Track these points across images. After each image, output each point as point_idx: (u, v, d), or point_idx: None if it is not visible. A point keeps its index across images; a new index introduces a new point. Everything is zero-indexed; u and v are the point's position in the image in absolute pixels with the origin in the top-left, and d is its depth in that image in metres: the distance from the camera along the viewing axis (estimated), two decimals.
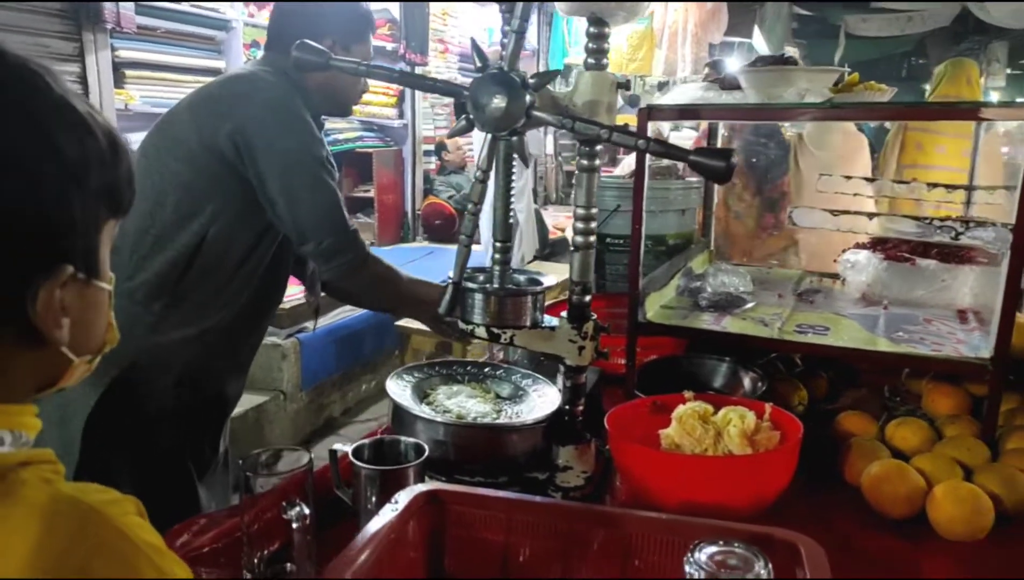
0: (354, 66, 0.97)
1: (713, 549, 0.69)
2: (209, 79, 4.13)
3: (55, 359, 0.55)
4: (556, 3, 0.99)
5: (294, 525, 0.79)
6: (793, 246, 3.48)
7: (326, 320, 3.23)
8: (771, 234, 3.42)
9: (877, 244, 1.58)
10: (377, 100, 5.10)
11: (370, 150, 5.04)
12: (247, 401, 2.85)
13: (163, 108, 3.60)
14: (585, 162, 1.01)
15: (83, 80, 2.94)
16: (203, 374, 1.36)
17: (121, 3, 2.92)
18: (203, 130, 1.31)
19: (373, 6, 5.56)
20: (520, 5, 0.89)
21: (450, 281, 0.99)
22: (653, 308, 1.41)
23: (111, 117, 3.06)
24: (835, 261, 1.67)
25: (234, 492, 1.69)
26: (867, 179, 1.63)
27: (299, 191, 1.32)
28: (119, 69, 3.31)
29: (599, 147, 1.01)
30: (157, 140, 1.39)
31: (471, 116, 0.92)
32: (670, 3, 5.65)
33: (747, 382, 1.36)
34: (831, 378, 1.50)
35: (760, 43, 7.78)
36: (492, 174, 1.12)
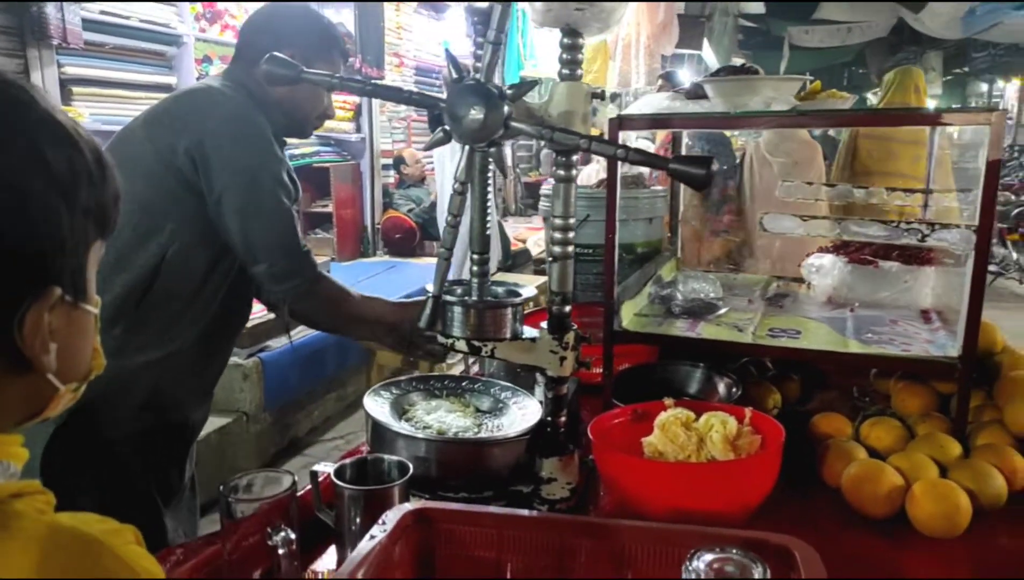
0: (326, 78, 0.96)
1: (710, 556, 0.69)
2: (160, 95, 4.03)
3: (41, 387, 0.52)
4: (530, 14, 0.99)
5: (280, 551, 0.76)
6: (744, 248, 3.56)
7: (286, 338, 3.17)
8: (719, 237, 3.50)
9: (840, 248, 1.62)
10: (336, 114, 5.04)
11: (327, 165, 4.99)
12: (209, 423, 2.75)
13: (114, 125, 3.52)
14: (562, 173, 1.01)
15: None
16: (167, 399, 1.31)
17: (67, 18, 2.84)
18: (159, 146, 1.27)
19: (327, 16, 5.47)
20: (496, 16, 0.89)
21: (430, 295, 0.98)
22: (627, 316, 1.41)
23: None
24: (799, 265, 1.71)
25: (202, 517, 1.64)
26: (829, 184, 1.66)
27: (253, 211, 1.29)
28: (66, 86, 3.21)
29: (575, 157, 1.01)
30: (111, 159, 1.34)
31: (447, 128, 0.91)
32: (624, 17, 5.73)
33: (722, 387, 1.37)
34: (803, 381, 1.52)
35: (709, 55, 7.96)
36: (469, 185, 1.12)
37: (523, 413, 1.17)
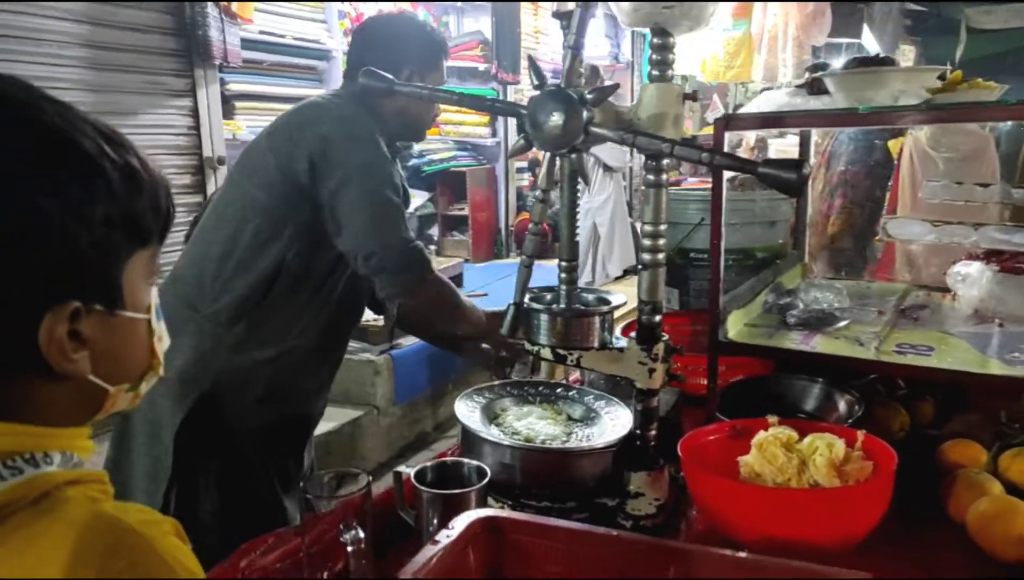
0: (418, 90, 0.98)
1: None
2: None
3: (90, 389, 0.56)
4: (618, 16, 0.96)
5: (349, 548, 0.79)
6: (905, 259, 3.25)
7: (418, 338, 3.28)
8: (874, 245, 3.22)
9: (991, 255, 1.45)
10: (470, 120, 5.18)
11: (464, 169, 5.13)
12: (342, 415, 2.94)
13: None
14: (652, 177, 0.97)
15: (195, 113, 3.14)
16: (283, 393, 1.40)
17: (228, 40, 3.11)
18: (279, 156, 1.36)
19: (467, 27, 5.65)
20: (576, 21, 0.87)
21: (512, 302, 0.97)
22: (736, 326, 1.34)
23: (220, 147, 3.25)
24: (945, 274, 1.54)
25: None
26: (982, 185, 1.49)
27: (366, 205, 1.35)
28: (228, 101, 3.51)
29: (665, 161, 0.97)
30: (239, 168, 1.46)
31: (528, 135, 0.90)
32: (769, 7, 5.45)
33: (842, 406, 1.27)
34: (939, 402, 1.37)
35: (871, 43, 7.39)
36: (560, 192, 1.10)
37: (615, 424, 1.14)
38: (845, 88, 1.17)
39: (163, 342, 0.64)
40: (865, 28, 6.94)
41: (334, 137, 1.35)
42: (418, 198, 5.12)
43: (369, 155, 1.37)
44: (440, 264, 4.11)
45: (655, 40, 0.95)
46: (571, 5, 0.91)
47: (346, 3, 4.43)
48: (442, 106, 5.39)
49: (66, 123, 0.54)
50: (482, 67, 5.18)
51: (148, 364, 0.62)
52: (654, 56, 0.96)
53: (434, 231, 5.35)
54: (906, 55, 9.60)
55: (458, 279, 4.16)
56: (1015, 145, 3.79)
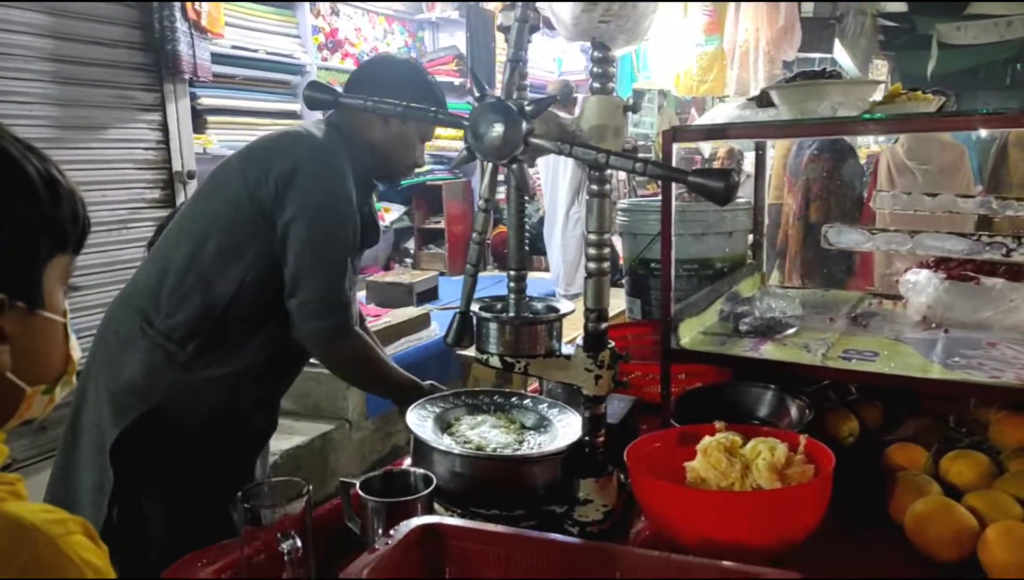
0: (360, 101, 0.99)
1: None
2: (286, 121, 4.32)
3: (7, 388, 0.58)
4: (560, 30, 0.98)
5: (287, 557, 0.79)
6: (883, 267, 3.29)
7: (391, 350, 3.28)
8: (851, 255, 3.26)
9: (940, 263, 1.48)
10: (446, 133, 5.20)
11: (440, 182, 5.14)
12: (312, 429, 2.92)
13: None
14: (595, 187, 0.99)
15: (164, 127, 3.13)
16: (228, 414, 1.39)
17: (198, 55, 3.11)
18: (248, 177, 1.36)
19: (442, 42, 5.64)
20: (514, 34, 0.89)
21: (457, 311, 0.98)
22: (690, 334, 1.36)
23: (189, 161, 3.24)
24: (897, 281, 1.58)
25: None
26: (930, 194, 1.52)
27: (311, 245, 1.35)
28: (200, 115, 3.50)
29: (608, 172, 0.99)
30: (207, 185, 1.46)
31: (470, 145, 0.91)
32: (740, 22, 5.54)
33: (794, 411, 1.29)
34: (892, 407, 1.40)
35: (843, 58, 7.52)
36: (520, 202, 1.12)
37: (567, 431, 1.15)
38: (788, 100, 1.19)
39: (76, 351, 0.65)
40: (837, 43, 7.06)
41: (302, 167, 1.36)
42: (394, 211, 5.13)
43: (331, 194, 1.37)
44: (416, 277, 4.11)
45: (595, 54, 0.97)
46: (512, 20, 0.92)
47: (320, 19, 4.45)
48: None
49: None
50: (457, 81, 5.21)
51: (64, 368, 0.63)
52: (595, 69, 0.98)
53: (410, 244, 5.34)
54: (879, 69, 9.79)
55: (434, 292, 4.16)
56: (984, 157, 3.88)
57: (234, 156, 1.47)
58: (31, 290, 0.59)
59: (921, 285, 1.43)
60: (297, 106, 4.31)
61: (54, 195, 0.60)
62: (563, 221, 4.62)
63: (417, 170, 5.60)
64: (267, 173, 1.36)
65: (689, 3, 5.53)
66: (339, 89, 1.17)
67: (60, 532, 0.51)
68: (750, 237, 1.79)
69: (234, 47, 3.69)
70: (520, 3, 0.89)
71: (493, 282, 4.96)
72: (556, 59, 6.31)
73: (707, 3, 5.57)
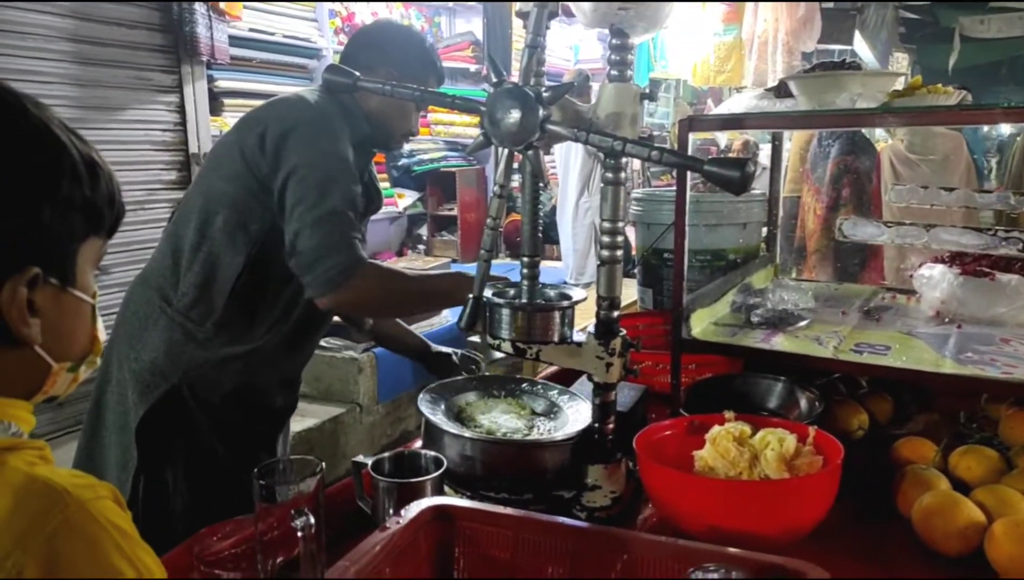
0: (379, 86, 1.00)
1: (710, 576, 0.66)
2: None
3: (35, 363, 0.60)
4: (579, 17, 0.98)
5: (300, 534, 0.80)
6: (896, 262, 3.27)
7: None
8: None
9: (955, 258, 1.47)
10: (461, 120, 5.20)
11: (454, 169, 5.15)
12: (324, 412, 2.94)
13: None
14: (609, 175, 0.99)
15: (181, 109, 3.15)
16: (252, 389, 1.41)
17: (216, 37, 3.12)
18: (244, 148, 1.35)
19: (459, 27, 5.62)
20: (532, 20, 0.89)
21: (471, 296, 0.99)
22: (702, 324, 1.36)
23: (206, 143, 3.26)
24: (911, 276, 1.57)
25: None
26: (947, 189, 1.51)
27: (304, 196, 1.29)
28: (217, 98, 3.52)
29: (624, 160, 0.99)
30: (209, 161, 1.46)
31: (487, 131, 0.92)
32: (760, 12, 5.49)
33: (803, 403, 1.29)
34: (904, 401, 1.40)
35: (863, 49, 7.43)
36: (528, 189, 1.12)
37: (576, 417, 1.16)
38: (806, 91, 1.19)
39: (102, 334, 0.68)
40: (857, 35, 6.97)
41: (294, 130, 1.33)
42: (408, 198, 5.14)
43: (324, 153, 1.34)
44: (428, 264, 4.12)
45: (613, 41, 0.97)
46: (531, 5, 0.93)
47: (337, 2, 4.44)
48: (432, 107, 5.33)
49: (41, 113, 0.60)
50: (473, 68, 5.20)
51: (90, 348, 0.65)
52: (613, 56, 0.98)
53: (423, 231, 5.36)
54: (899, 62, 9.66)
55: None
56: (982, 149, 3.87)
57: (230, 131, 1.45)
58: (65, 268, 0.60)
59: (935, 280, 1.43)
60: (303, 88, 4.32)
61: (94, 178, 0.61)
62: (573, 211, 4.61)
63: (431, 156, 5.57)
64: (262, 139, 1.34)
65: None
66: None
67: (89, 496, 0.53)
68: (764, 229, 1.79)
69: (252, 30, 3.69)
70: None
71: (505, 270, 4.96)
72: (573, 47, 6.28)
73: None
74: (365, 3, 4.67)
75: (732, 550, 0.74)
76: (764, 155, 5.91)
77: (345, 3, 4.50)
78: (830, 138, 3.47)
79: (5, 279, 0.56)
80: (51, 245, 0.59)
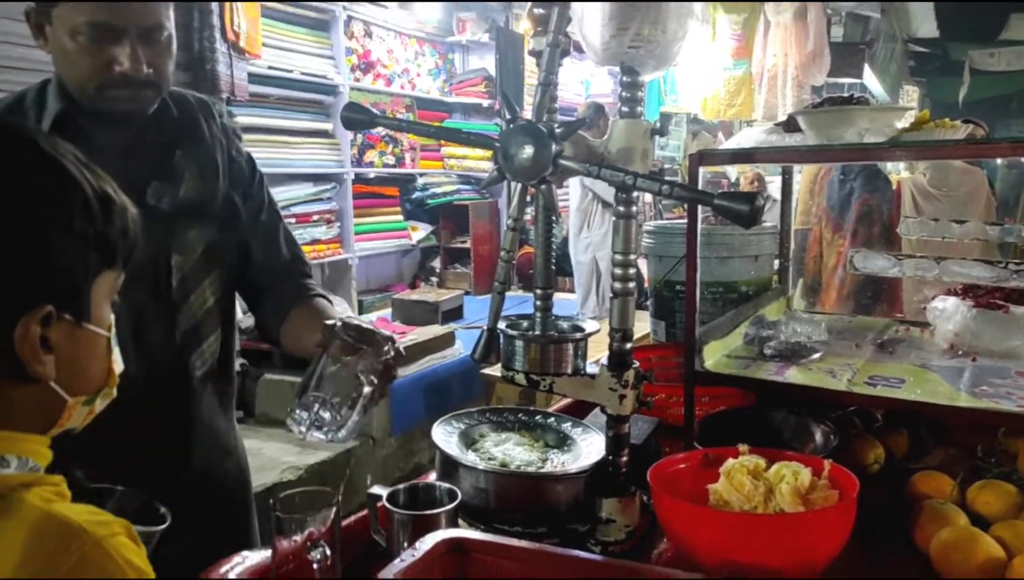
0: (395, 123, 1.02)
1: None
2: (319, 140, 4.37)
3: (50, 397, 0.60)
4: (590, 55, 1.01)
5: (315, 565, 0.81)
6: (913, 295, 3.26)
7: (415, 367, 3.30)
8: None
9: (968, 291, 1.47)
10: (473, 154, 5.26)
11: (467, 202, 5.20)
12: (337, 446, 2.95)
13: (277, 168, 3.88)
14: (622, 209, 1.01)
15: None
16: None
17: (236, 74, 3.19)
18: None
19: (472, 64, 5.70)
20: (545, 59, 0.91)
21: (485, 328, 1.00)
22: (715, 356, 1.36)
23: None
24: (924, 308, 1.57)
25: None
26: (958, 221, 1.52)
27: None
28: None
29: (636, 194, 1.00)
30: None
31: (500, 166, 0.94)
32: (769, 47, 5.56)
33: (818, 436, 1.28)
34: (920, 435, 1.39)
35: (873, 83, 7.47)
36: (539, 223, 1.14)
37: (590, 450, 1.16)
38: (815, 126, 1.21)
39: (118, 365, 0.67)
40: (867, 69, 7.03)
41: None
42: (421, 230, 5.18)
43: None
44: (441, 296, 4.14)
45: (624, 78, 0.99)
46: (544, 44, 0.95)
47: (353, 40, 4.54)
48: (445, 141, 5.36)
49: (54, 150, 0.61)
50: (486, 103, 5.28)
51: (104, 381, 0.66)
52: (623, 93, 1.00)
53: (436, 263, 5.39)
54: (910, 96, 9.70)
55: (459, 311, 4.19)
56: (1007, 184, 3.86)
57: None
58: (79, 304, 0.61)
59: (949, 312, 1.42)
60: (329, 125, 4.40)
61: (107, 212, 0.62)
62: (573, 246, 4.64)
63: (444, 189, 5.58)
64: None
65: (719, 15, 5.55)
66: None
67: (105, 534, 0.53)
68: (776, 262, 1.80)
69: (270, 67, 3.78)
70: (551, 30, 0.92)
71: (518, 302, 4.97)
72: (584, 81, 6.37)
73: (735, 27, 5.59)
74: (381, 42, 4.77)
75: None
76: (774, 188, 5.93)
77: (361, 41, 4.60)
78: (849, 174, 3.49)
79: (18, 317, 0.56)
80: (64, 282, 0.59)
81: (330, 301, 1.36)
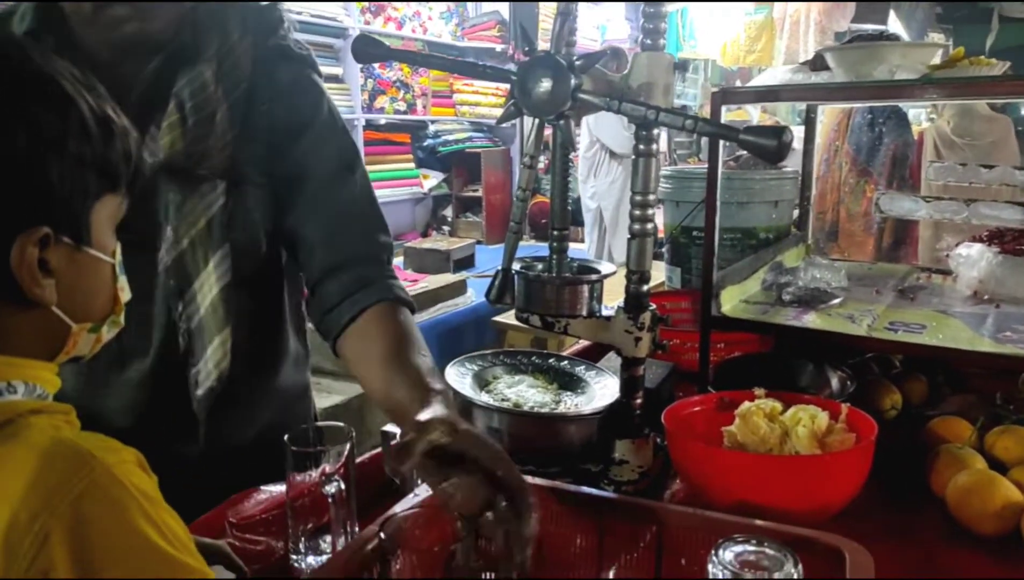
0: (411, 54, 0.99)
1: (740, 548, 0.65)
2: (329, 84, 4.34)
3: (54, 324, 0.59)
4: None
5: (330, 499, 0.81)
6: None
7: (427, 315, 3.31)
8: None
9: (994, 237, 1.43)
10: (486, 101, 5.18)
11: (479, 150, 5.14)
12: (351, 389, 2.97)
13: None
14: (641, 147, 0.98)
15: None
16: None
17: None
18: None
19: (485, 8, 5.59)
20: None
21: (499, 268, 0.99)
22: (732, 302, 1.34)
23: None
24: (947, 256, 1.54)
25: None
26: (986, 166, 1.47)
27: None
28: None
29: (656, 131, 0.97)
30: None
31: (517, 100, 0.91)
32: None
33: (835, 382, 1.27)
34: (938, 382, 1.37)
35: (898, 29, 7.25)
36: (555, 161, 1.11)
37: (603, 392, 1.15)
38: (844, 63, 1.16)
39: (125, 293, 0.67)
40: (892, 15, 6.81)
41: None
42: (433, 179, 5.14)
43: None
44: (453, 244, 4.12)
45: (647, 9, 0.95)
46: None
47: None
48: (457, 87, 5.31)
49: (50, 67, 0.58)
50: (499, 48, 5.17)
51: (110, 308, 0.65)
52: (645, 24, 0.96)
53: (448, 212, 5.36)
54: (936, 42, 9.43)
55: (471, 259, 4.18)
56: None
57: None
58: (78, 226, 0.59)
59: (973, 259, 1.39)
60: (339, 70, 4.33)
61: (107, 133, 0.60)
62: (582, 192, 4.58)
63: (456, 137, 5.53)
64: None
65: None
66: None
67: (115, 460, 0.53)
68: (795, 210, 1.76)
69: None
70: None
71: (530, 252, 4.96)
72: (600, 27, 6.22)
73: None
74: None
75: (763, 523, 0.74)
76: (795, 139, 5.82)
77: None
78: (877, 118, 3.40)
79: (13, 238, 0.55)
80: (62, 203, 0.57)
81: (411, 308, 1.03)
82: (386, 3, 4.60)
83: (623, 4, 6.16)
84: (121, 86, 0.88)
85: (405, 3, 4.75)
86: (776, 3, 5.47)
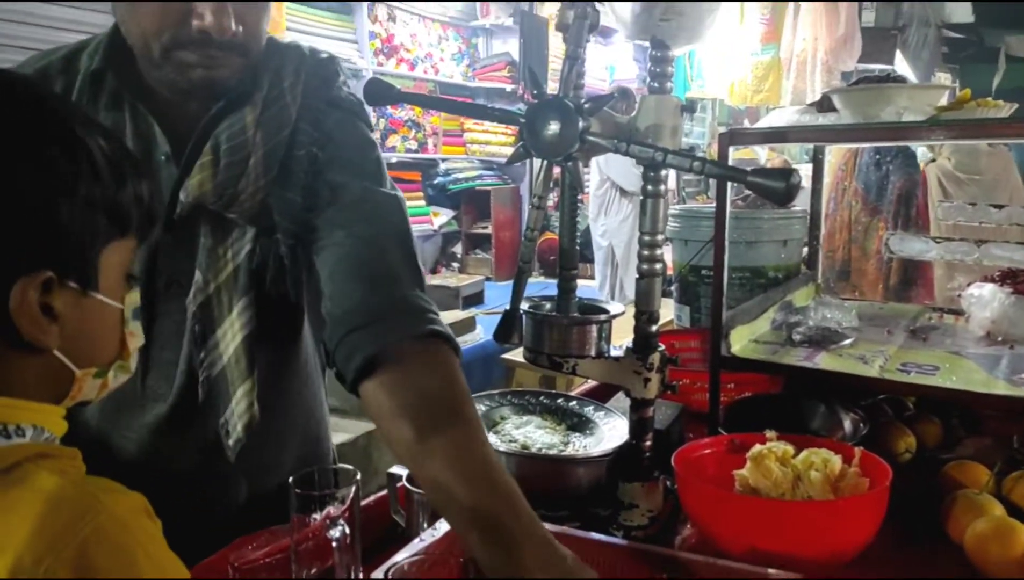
0: (423, 97, 1.00)
1: None
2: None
3: (57, 368, 0.58)
4: (620, 29, 0.98)
5: (334, 544, 0.80)
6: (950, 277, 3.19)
7: None
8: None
9: (1006, 277, 1.42)
10: (496, 140, 5.24)
11: (488, 188, 5.18)
12: (357, 427, 2.95)
13: None
14: (649, 188, 0.98)
15: None
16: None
17: None
18: None
19: (495, 48, 5.69)
20: (573, 31, 0.89)
21: (507, 308, 0.99)
22: (741, 342, 1.33)
23: None
24: (959, 296, 1.52)
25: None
26: (996, 206, 1.47)
27: None
28: None
29: (664, 172, 0.98)
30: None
31: (526, 142, 0.92)
32: (798, 31, 5.45)
33: (847, 424, 1.25)
34: (952, 425, 1.35)
35: (904, 70, 7.31)
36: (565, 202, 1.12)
37: (612, 434, 1.14)
38: (851, 105, 1.17)
39: (136, 339, 0.65)
40: (898, 55, 6.87)
41: None
42: (442, 216, 5.18)
43: None
44: (462, 281, 4.14)
45: (654, 53, 0.97)
46: (571, 16, 0.93)
47: (377, 24, 4.52)
48: (468, 125, 5.38)
49: (64, 110, 0.59)
50: (509, 88, 5.25)
51: (117, 354, 0.64)
52: (653, 68, 0.97)
53: (457, 248, 5.39)
54: (942, 83, 9.50)
55: (480, 296, 4.19)
56: None
57: None
58: (85, 271, 0.58)
59: (985, 299, 1.38)
60: None
61: (118, 177, 0.59)
62: (592, 230, 4.60)
63: (466, 175, 5.59)
64: None
65: (747, 4, 5.45)
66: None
67: (120, 505, 0.52)
68: (804, 248, 1.76)
69: None
70: (580, 1, 0.89)
71: (539, 289, 4.96)
72: (608, 67, 6.31)
73: (764, 10, 5.49)
74: (404, 26, 4.75)
75: (776, 572, 0.72)
76: (803, 178, 5.85)
77: (385, 25, 4.58)
78: (885, 156, 3.41)
79: (13, 281, 0.54)
80: (69, 247, 0.57)
81: (457, 350, 0.95)
82: (399, 45, 4.69)
83: (631, 45, 6.26)
84: (184, 127, 0.91)
85: (416, 44, 4.84)
86: (783, 42, 5.53)
